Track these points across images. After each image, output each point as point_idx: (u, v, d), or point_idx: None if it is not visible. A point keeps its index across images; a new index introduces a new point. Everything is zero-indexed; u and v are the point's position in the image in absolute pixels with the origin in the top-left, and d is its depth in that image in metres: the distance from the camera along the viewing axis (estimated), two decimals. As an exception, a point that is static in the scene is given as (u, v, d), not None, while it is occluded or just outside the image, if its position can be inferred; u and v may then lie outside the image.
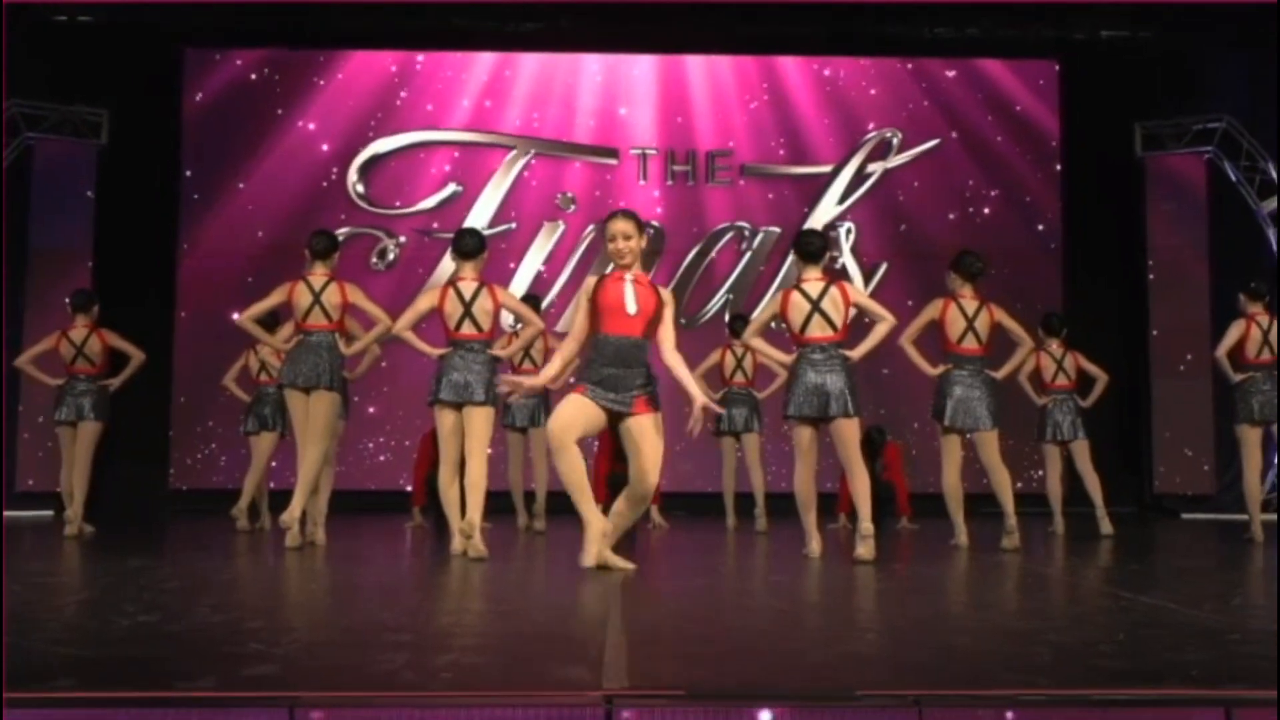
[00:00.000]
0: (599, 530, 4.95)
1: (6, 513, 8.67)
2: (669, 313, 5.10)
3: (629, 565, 4.95)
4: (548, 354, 7.75)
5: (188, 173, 10.10)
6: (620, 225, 5.01)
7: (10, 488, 9.19)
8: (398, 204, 10.18)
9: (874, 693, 2.60)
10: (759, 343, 5.90)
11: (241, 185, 10.06)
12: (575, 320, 5.08)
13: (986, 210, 10.30)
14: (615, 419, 4.97)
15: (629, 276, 5.01)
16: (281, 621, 3.77)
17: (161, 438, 9.76)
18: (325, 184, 10.13)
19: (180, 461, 9.83)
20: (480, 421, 5.68)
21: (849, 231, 10.27)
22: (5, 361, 8.78)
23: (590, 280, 5.10)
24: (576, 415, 4.95)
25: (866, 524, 5.50)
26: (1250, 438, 7.13)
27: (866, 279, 10.19)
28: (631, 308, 4.93)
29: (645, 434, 4.91)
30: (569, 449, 4.98)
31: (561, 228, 10.18)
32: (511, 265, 10.09)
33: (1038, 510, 7.99)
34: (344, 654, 3.13)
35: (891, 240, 10.26)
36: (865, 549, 5.44)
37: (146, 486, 9.30)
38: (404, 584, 5.10)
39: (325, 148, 10.15)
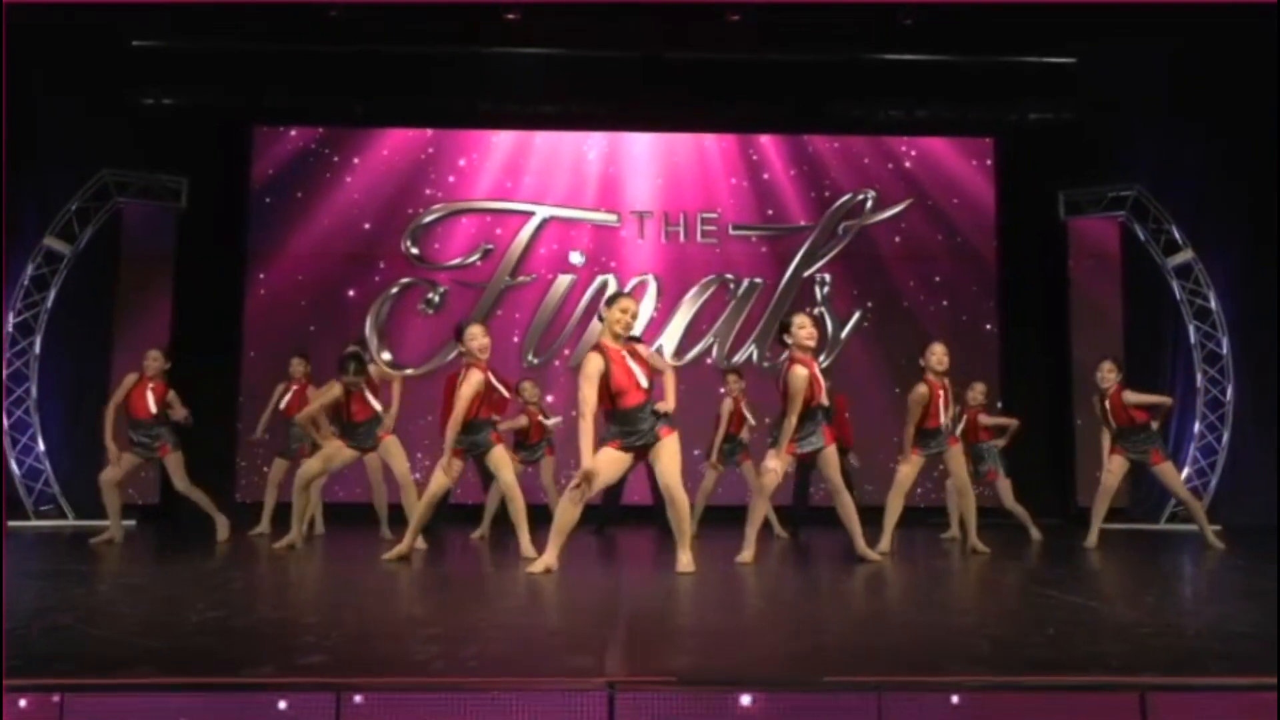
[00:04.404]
0: (549, 563, 5.15)
1: (94, 522, 8.63)
2: (668, 373, 5.30)
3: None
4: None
5: (255, 231, 10.13)
6: (633, 306, 5.13)
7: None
8: (441, 260, 10.24)
9: (839, 679, 2.60)
10: None
11: (304, 240, 10.10)
12: (586, 397, 4.93)
13: (936, 269, 10.31)
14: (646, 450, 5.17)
15: (626, 353, 5.08)
16: (331, 617, 3.76)
17: (230, 461, 9.74)
18: (380, 244, 10.17)
19: (245, 481, 9.79)
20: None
21: (823, 285, 10.27)
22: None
23: (595, 360, 5.00)
24: (611, 470, 5.11)
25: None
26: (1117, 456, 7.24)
27: (839, 328, 10.17)
28: (644, 383, 5.06)
29: (665, 449, 5.08)
30: (584, 497, 5.05)
31: (571, 279, 10.22)
32: (528, 312, 10.12)
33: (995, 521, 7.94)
34: (384, 646, 3.13)
35: (863, 293, 10.27)
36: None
37: (217, 500, 9.23)
38: (438, 585, 5.08)
39: (371, 216, 10.20)
